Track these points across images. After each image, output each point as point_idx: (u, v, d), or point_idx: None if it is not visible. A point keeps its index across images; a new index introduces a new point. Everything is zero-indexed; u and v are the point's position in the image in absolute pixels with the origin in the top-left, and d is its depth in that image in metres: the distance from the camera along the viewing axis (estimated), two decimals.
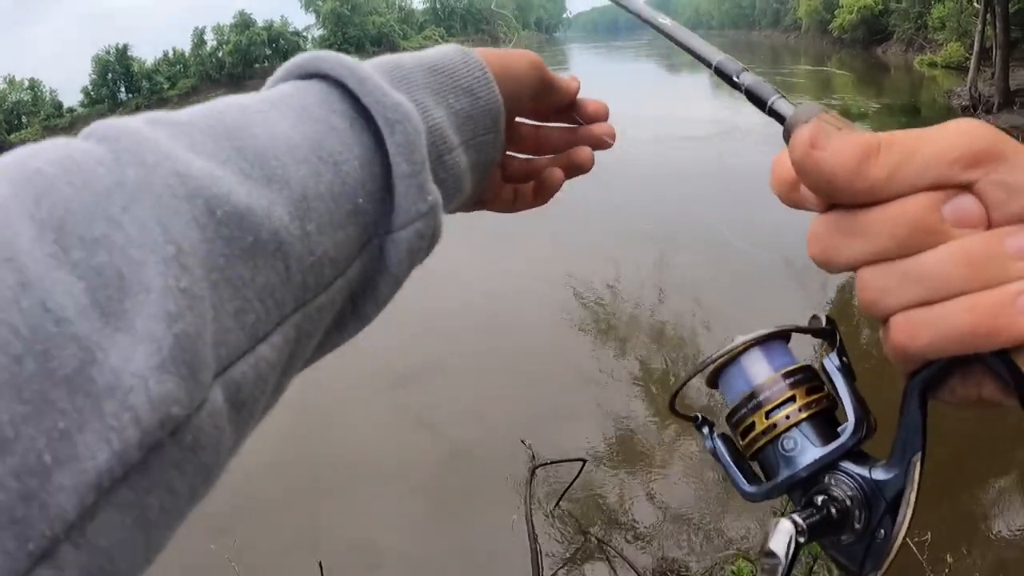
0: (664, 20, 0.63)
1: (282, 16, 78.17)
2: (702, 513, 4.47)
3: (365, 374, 6.69)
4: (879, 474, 0.42)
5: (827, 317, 0.47)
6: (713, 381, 0.49)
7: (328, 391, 6.23)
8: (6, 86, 70.77)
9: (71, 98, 73.30)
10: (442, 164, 0.47)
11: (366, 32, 75.42)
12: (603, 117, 0.66)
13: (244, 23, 73.32)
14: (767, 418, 0.45)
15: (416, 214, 0.43)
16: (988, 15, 16.27)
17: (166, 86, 73.14)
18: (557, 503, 4.68)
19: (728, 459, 0.48)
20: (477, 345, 6.95)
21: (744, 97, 0.51)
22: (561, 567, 4.24)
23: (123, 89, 72.00)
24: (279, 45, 74.45)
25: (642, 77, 34.10)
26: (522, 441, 5.00)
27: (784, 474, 0.44)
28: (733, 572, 2.86)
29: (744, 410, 0.46)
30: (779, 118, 0.46)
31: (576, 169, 0.64)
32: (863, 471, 0.42)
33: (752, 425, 0.45)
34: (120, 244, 0.30)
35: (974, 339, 0.37)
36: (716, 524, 4.36)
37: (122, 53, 71.65)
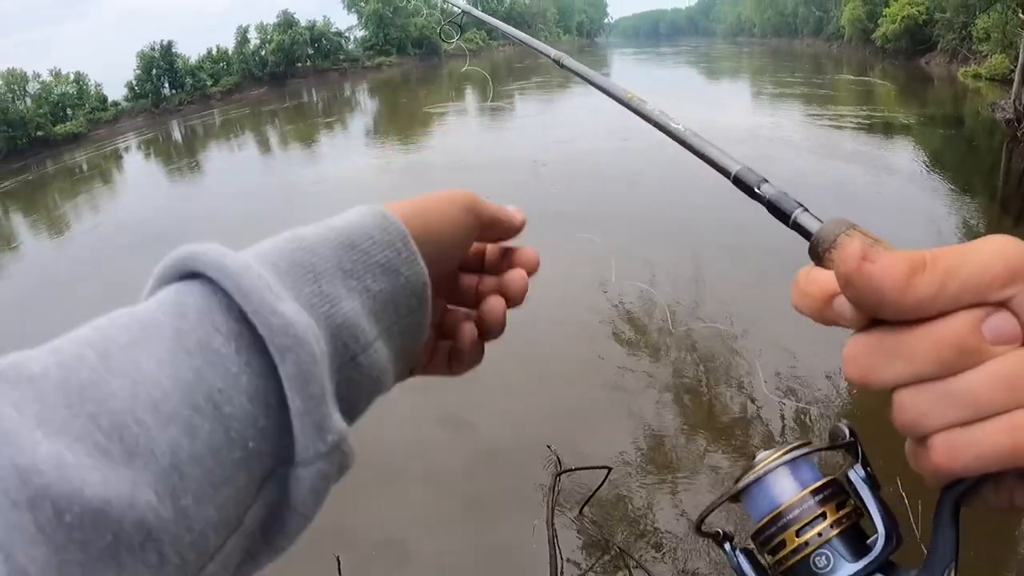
0: (676, 125, 0.62)
1: (325, 16, 78.73)
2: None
3: None
4: None
5: (849, 428, 0.47)
6: (736, 498, 0.50)
7: None
8: (52, 79, 72.01)
9: (116, 92, 74.40)
10: (356, 366, 0.42)
11: (407, 34, 75.87)
12: (531, 269, 0.59)
13: (287, 22, 74.11)
14: (798, 536, 0.45)
15: (315, 454, 0.37)
16: None
17: (209, 83, 73.91)
18: (580, 510, 4.66)
19: None
20: (507, 347, 6.88)
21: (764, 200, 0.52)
22: (581, 575, 4.22)
23: (167, 85, 72.77)
24: (321, 45, 75.22)
25: (683, 85, 33.78)
26: (548, 447, 4.99)
27: None
28: None
29: (772, 528, 0.46)
30: (803, 232, 0.46)
31: (489, 327, 0.56)
32: None
33: (782, 543, 0.46)
34: None
35: (1015, 458, 0.37)
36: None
37: (166, 50, 72.63)
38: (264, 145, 31.92)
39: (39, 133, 67.36)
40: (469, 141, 20.20)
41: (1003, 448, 0.37)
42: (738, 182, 0.54)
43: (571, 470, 4.86)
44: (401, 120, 28.46)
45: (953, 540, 0.41)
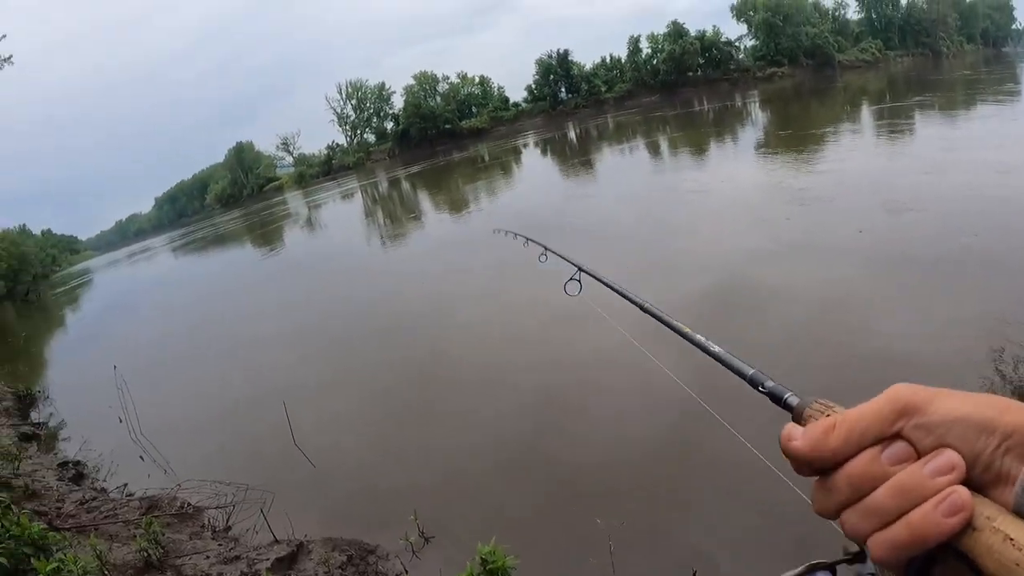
0: (715, 348, 1.00)
1: (714, 26, 78.68)
2: None
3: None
4: None
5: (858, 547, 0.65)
6: None
7: None
8: (459, 81, 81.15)
9: (515, 94, 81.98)
10: None
11: (799, 43, 72.89)
12: None
13: (677, 32, 74.77)
14: None
15: None
16: None
17: (603, 89, 77.30)
18: None
19: None
20: None
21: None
22: None
23: (563, 89, 77.64)
24: (711, 54, 74.93)
25: None
26: None
27: None
28: None
29: None
30: (790, 409, 0.71)
31: None
32: None
33: None
34: None
35: (915, 545, 0.52)
36: None
37: (563, 57, 76.90)
38: (653, 149, 32.40)
39: (447, 126, 76.38)
40: (856, 167, 17.18)
41: (905, 539, 0.52)
42: (752, 383, 0.84)
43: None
44: (791, 136, 27.06)
45: None
